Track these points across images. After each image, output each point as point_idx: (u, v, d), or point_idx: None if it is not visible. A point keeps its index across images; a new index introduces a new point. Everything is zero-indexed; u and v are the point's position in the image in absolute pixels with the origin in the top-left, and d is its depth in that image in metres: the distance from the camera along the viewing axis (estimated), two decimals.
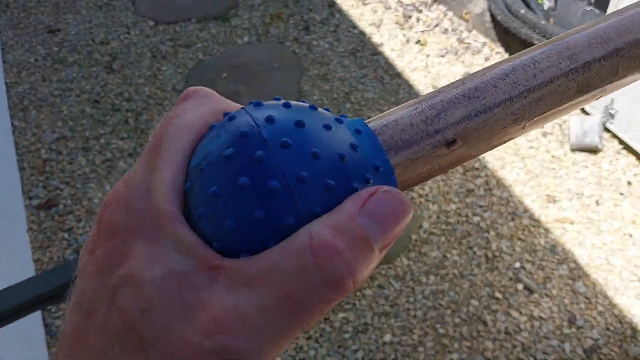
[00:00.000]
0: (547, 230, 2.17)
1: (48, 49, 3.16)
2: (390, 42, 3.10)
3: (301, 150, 0.24)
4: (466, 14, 3.15)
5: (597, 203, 2.24)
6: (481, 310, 1.96)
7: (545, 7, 2.79)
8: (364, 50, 3.05)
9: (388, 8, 3.33)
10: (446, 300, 1.99)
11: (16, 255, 2.20)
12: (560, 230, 2.17)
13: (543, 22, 2.56)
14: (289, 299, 0.23)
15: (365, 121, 0.28)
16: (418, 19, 3.23)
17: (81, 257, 0.27)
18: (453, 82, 0.30)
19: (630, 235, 2.12)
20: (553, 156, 2.42)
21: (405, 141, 0.27)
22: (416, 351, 1.87)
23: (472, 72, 0.32)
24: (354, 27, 3.22)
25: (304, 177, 0.24)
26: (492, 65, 0.30)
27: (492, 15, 2.91)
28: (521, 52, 0.31)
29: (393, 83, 2.85)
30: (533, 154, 2.44)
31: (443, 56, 2.97)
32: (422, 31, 3.16)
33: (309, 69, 2.95)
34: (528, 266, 2.07)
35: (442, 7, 3.29)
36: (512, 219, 2.21)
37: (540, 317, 1.94)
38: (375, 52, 3.04)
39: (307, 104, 0.27)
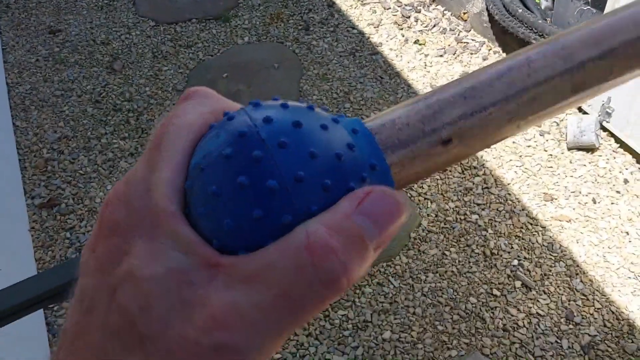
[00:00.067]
0: (544, 228, 2.19)
1: (49, 49, 3.18)
2: (389, 42, 3.12)
3: (298, 150, 0.25)
4: (464, 13, 3.17)
5: (594, 201, 2.26)
6: (479, 307, 1.98)
7: (543, 7, 2.81)
8: (363, 50, 3.07)
9: (387, 8, 3.35)
10: (445, 297, 2.01)
11: (18, 255, 2.21)
12: (558, 228, 2.19)
13: (540, 21, 2.58)
14: (286, 296, 0.23)
15: (363, 120, 0.28)
16: (416, 19, 3.24)
17: (83, 254, 0.27)
18: (449, 82, 0.30)
19: (627, 233, 2.14)
20: (550, 155, 2.44)
21: (402, 140, 0.28)
22: (415, 348, 1.89)
23: (470, 71, 0.33)
24: (353, 27, 3.23)
25: (302, 176, 0.24)
26: (488, 65, 0.31)
27: (490, 15, 2.93)
28: (517, 51, 0.31)
29: (392, 83, 2.86)
30: (531, 153, 2.45)
31: (441, 56, 2.99)
32: (421, 31, 3.17)
33: (308, 68, 2.97)
34: (526, 263, 2.09)
35: (441, 7, 3.30)
36: (510, 217, 2.23)
37: (538, 314, 1.95)
38: (374, 52, 3.06)
39: (304, 104, 0.28)
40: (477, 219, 2.23)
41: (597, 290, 2.00)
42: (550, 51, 0.30)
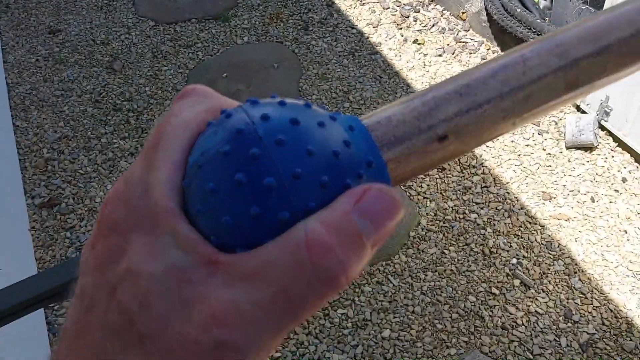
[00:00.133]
0: (543, 226, 2.20)
1: (49, 49, 3.18)
2: (388, 41, 3.12)
3: (296, 147, 0.25)
4: (463, 13, 3.18)
5: (593, 200, 2.26)
6: (478, 306, 1.98)
7: (541, 6, 2.82)
8: (362, 50, 3.08)
9: (386, 8, 3.36)
10: (444, 296, 2.02)
11: (18, 254, 2.21)
12: (556, 226, 2.19)
13: (539, 21, 2.58)
14: (285, 294, 0.23)
15: (360, 117, 0.29)
16: (415, 19, 3.25)
17: (83, 253, 0.27)
18: (445, 80, 0.30)
19: (625, 232, 2.15)
20: (549, 154, 2.45)
21: (398, 137, 0.28)
22: (415, 346, 1.90)
23: None
24: (353, 27, 3.24)
25: (299, 173, 0.24)
26: (483, 63, 0.31)
27: (488, 15, 2.94)
28: (512, 49, 0.31)
29: (391, 82, 2.87)
30: (529, 152, 2.46)
31: (440, 55, 3.00)
32: (420, 31, 3.18)
33: (308, 68, 2.98)
34: (524, 262, 2.09)
35: (439, 7, 3.31)
36: (509, 216, 2.24)
37: (537, 312, 1.96)
38: (373, 51, 3.06)
39: (302, 102, 0.28)
40: (476, 218, 2.24)
41: (595, 289, 2.01)
42: (544, 49, 0.30)
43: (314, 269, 0.23)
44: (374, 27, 3.22)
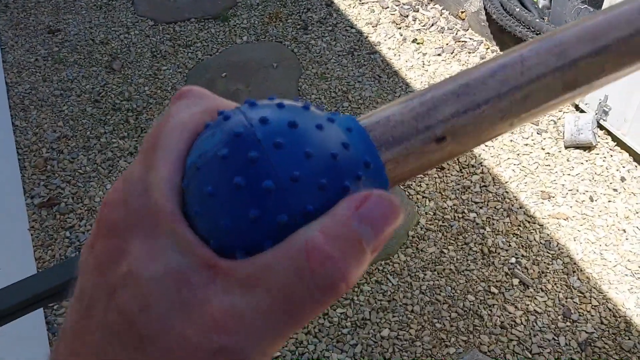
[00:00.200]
0: (542, 226, 2.20)
1: (48, 49, 3.18)
2: (387, 41, 3.12)
3: (294, 150, 0.25)
4: (462, 12, 3.18)
5: (591, 199, 2.27)
6: (477, 305, 1.99)
7: (540, 6, 2.82)
8: (362, 50, 3.08)
9: (385, 7, 3.36)
10: (443, 295, 2.02)
11: (18, 254, 2.22)
12: (555, 225, 2.20)
13: (538, 20, 2.59)
14: (285, 301, 0.23)
15: (357, 118, 0.29)
16: (415, 18, 3.25)
17: (82, 254, 0.27)
18: (443, 80, 0.30)
19: (624, 231, 2.15)
20: (548, 153, 2.45)
21: (396, 137, 0.28)
22: (414, 345, 1.90)
23: None
24: (352, 26, 3.24)
25: (297, 176, 0.24)
26: (481, 63, 0.31)
27: (487, 14, 2.94)
28: (510, 49, 0.31)
29: (390, 82, 2.87)
30: (528, 151, 2.46)
31: (439, 55, 3.00)
32: (419, 30, 3.18)
33: (307, 67, 2.98)
34: (523, 261, 2.10)
35: (438, 6, 3.31)
36: (508, 215, 2.24)
37: (536, 312, 1.96)
38: (372, 51, 3.06)
39: (300, 104, 0.28)
40: (475, 217, 2.24)
41: (594, 288, 2.01)
42: (542, 49, 0.30)
43: (313, 277, 0.23)
44: (373, 27, 3.22)
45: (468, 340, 1.90)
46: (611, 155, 2.41)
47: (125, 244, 0.25)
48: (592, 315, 1.94)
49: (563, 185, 2.32)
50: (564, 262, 2.08)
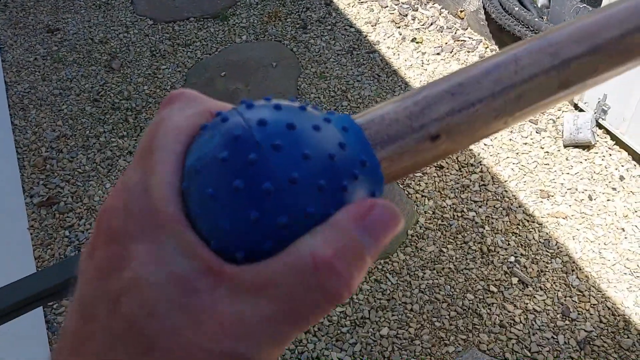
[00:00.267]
0: (541, 224, 2.20)
1: (47, 48, 3.18)
2: (386, 40, 3.13)
3: (292, 152, 0.25)
4: (461, 11, 3.18)
5: (590, 198, 2.27)
6: (476, 304, 1.99)
7: (539, 5, 2.82)
8: (361, 49, 3.08)
9: (384, 6, 3.36)
10: (442, 294, 2.02)
11: (17, 253, 2.22)
12: (554, 224, 2.20)
13: (537, 19, 2.59)
14: (290, 310, 0.24)
15: (353, 116, 0.29)
16: (414, 17, 3.25)
17: (81, 261, 0.27)
18: (438, 79, 0.30)
19: (623, 230, 2.16)
20: (547, 152, 2.45)
21: (391, 136, 0.28)
22: (413, 344, 1.90)
23: None
24: (351, 25, 3.24)
25: (296, 178, 0.25)
26: (476, 62, 0.31)
27: (486, 13, 2.94)
28: (505, 48, 0.31)
29: (389, 81, 2.87)
30: (527, 150, 2.47)
31: (438, 54, 3.00)
32: (418, 29, 3.18)
33: (306, 67, 2.98)
34: (522, 260, 2.10)
35: (438, 5, 3.31)
36: (507, 214, 2.25)
37: (535, 310, 1.97)
38: (371, 50, 3.07)
39: (297, 104, 0.28)
40: (474, 216, 2.25)
41: (593, 287, 2.01)
42: (536, 48, 0.30)
43: (320, 289, 0.24)
44: (372, 26, 3.22)
45: (467, 338, 1.91)
46: (610, 154, 2.41)
47: (127, 249, 0.25)
48: (591, 314, 1.95)
49: (562, 184, 2.33)
50: (562, 261, 2.09)
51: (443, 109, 0.29)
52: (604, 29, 0.31)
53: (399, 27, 3.20)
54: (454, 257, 2.12)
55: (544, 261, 2.09)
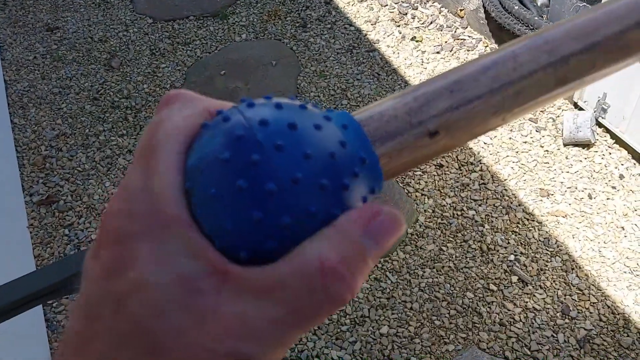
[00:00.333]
0: (540, 223, 2.20)
1: (47, 46, 3.18)
2: (386, 39, 3.12)
3: (294, 151, 0.25)
4: (461, 10, 3.18)
5: (590, 196, 2.27)
6: (476, 302, 1.99)
7: (539, 3, 2.82)
8: (360, 47, 3.08)
9: (384, 5, 3.36)
10: (442, 292, 2.02)
11: (17, 252, 2.22)
12: (554, 223, 2.20)
13: (536, 18, 2.58)
14: (295, 312, 0.24)
15: (352, 113, 0.29)
16: (413, 16, 3.25)
17: (85, 262, 0.27)
18: (437, 76, 0.31)
19: (623, 228, 2.16)
20: (547, 151, 2.45)
21: (390, 132, 0.29)
22: (413, 342, 1.90)
23: None
24: (350, 24, 3.24)
25: (298, 178, 0.25)
26: (475, 59, 0.31)
27: (486, 12, 2.94)
28: (504, 45, 0.32)
29: (389, 79, 2.87)
30: (527, 149, 2.47)
31: (438, 52, 3.00)
32: (418, 28, 3.18)
33: (306, 65, 2.98)
34: (522, 259, 2.10)
35: (437, 4, 3.31)
36: (507, 213, 2.25)
37: (534, 309, 1.97)
38: (371, 49, 3.06)
39: (297, 103, 0.28)
40: (474, 215, 2.25)
41: (592, 285, 2.01)
42: (534, 45, 0.31)
43: (325, 294, 0.25)
44: (372, 25, 3.22)
45: (467, 337, 1.91)
46: (610, 153, 2.41)
47: (132, 251, 0.25)
48: (590, 313, 1.95)
49: (562, 182, 2.33)
50: (562, 260, 2.09)
51: (442, 105, 0.29)
52: (602, 26, 0.31)
53: (399, 26, 3.20)
54: (454, 256, 2.12)
55: (543, 260, 2.09)
